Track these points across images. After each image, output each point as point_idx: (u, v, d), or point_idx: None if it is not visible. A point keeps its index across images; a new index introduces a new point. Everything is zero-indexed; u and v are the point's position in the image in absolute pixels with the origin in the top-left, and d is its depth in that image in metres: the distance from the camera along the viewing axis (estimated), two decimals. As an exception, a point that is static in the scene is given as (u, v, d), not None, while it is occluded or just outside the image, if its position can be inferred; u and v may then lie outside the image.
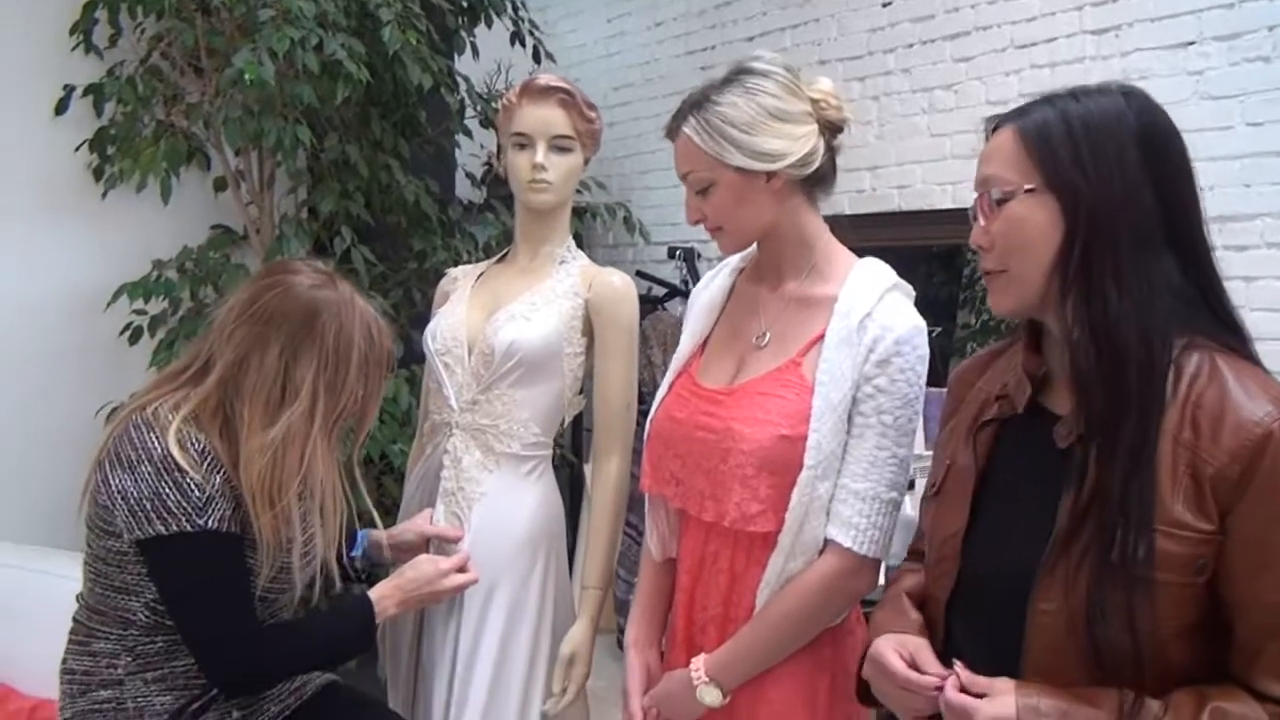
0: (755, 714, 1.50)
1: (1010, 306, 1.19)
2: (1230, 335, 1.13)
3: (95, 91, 3.09)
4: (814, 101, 1.50)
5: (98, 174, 3.14)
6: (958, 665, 1.13)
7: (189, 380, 1.60)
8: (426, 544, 1.85)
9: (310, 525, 1.62)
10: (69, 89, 3.10)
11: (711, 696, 1.50)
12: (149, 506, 1.49)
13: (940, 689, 1.13)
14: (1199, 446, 1.05)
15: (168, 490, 1.49)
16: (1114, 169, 1.09)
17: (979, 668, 1.13)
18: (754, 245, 1.60)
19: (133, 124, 3.07)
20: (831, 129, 1.52)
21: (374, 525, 1.86)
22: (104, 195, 3.13)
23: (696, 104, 1.49)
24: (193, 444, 1.52)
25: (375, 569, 1.89)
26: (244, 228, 3.26)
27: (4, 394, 3.04)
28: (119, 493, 1.50)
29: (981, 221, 1.18)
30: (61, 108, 3.10)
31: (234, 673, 1.57)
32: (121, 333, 3.10)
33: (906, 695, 1.18)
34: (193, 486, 1.49)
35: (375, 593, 1.72)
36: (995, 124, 1.19)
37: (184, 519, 1.49)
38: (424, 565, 1.75)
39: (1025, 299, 1.17)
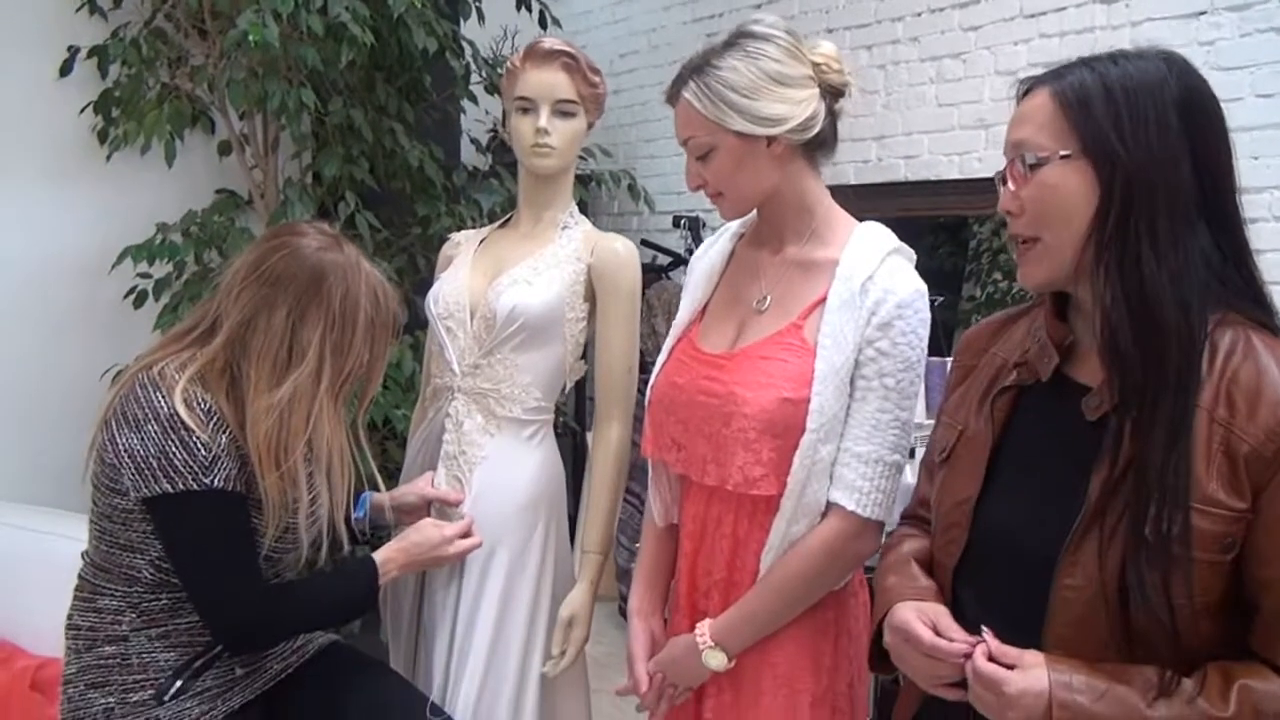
0: (759, 678, 1.52)
1: (1042, 278, 1.17)
2: (1261, 310, 1.11)
3: (99, 53, 3.08)
4: (815, 65, 1.49)
5: (102, 137, 3.14)
6: (987, 633, 1.11)
7: (195, 341, 1.60)
8: (428, 506, 1.86)
9: (316, 486, 1.62)
10: (73, 50, 3.09)
11: (717, 660, 1.51)
12: (155, 465, 1.49)
13: (968, 656, 1.11)
14: (1234, 424, 1.04)
15: (174, 449, 1.50)
16: (1154, 136, 1.06)
17: (998, 637, 1.11)
18: (754, 211, 1.60)
19: (137, 86, 3.06)
20: (833, 93, 1.51)
21: (377, 488, 1.87)
22: (108, 158, 3.13)
23: (697, 68, 1.48)
24: (199, 403, 1.52)
25: (377, 531, 1.91)
26: (248, 192, 3.25)
27: (9, 356, 3.05)
28: (125, 451, 1.51)
29: (1012, 186, 1.15)
30: (66, 69, 3.10)
31: (238, 630, 1.59)
32: (126, 296, 3.11)
33: (931, 663, 1.15)
34: (199, 445, 1.50)
35: (379, 555, 1.73)
36: (1028, 86, 1.16)
37: (190, 477, 1.50)
38: (429, 530, 1.76)
39: (1058, 270, 1.14)
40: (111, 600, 1.60)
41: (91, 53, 3.09)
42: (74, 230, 3.14)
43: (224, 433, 1.53)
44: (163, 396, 1.52)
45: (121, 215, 3.15)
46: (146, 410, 1.52)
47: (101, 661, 1.59)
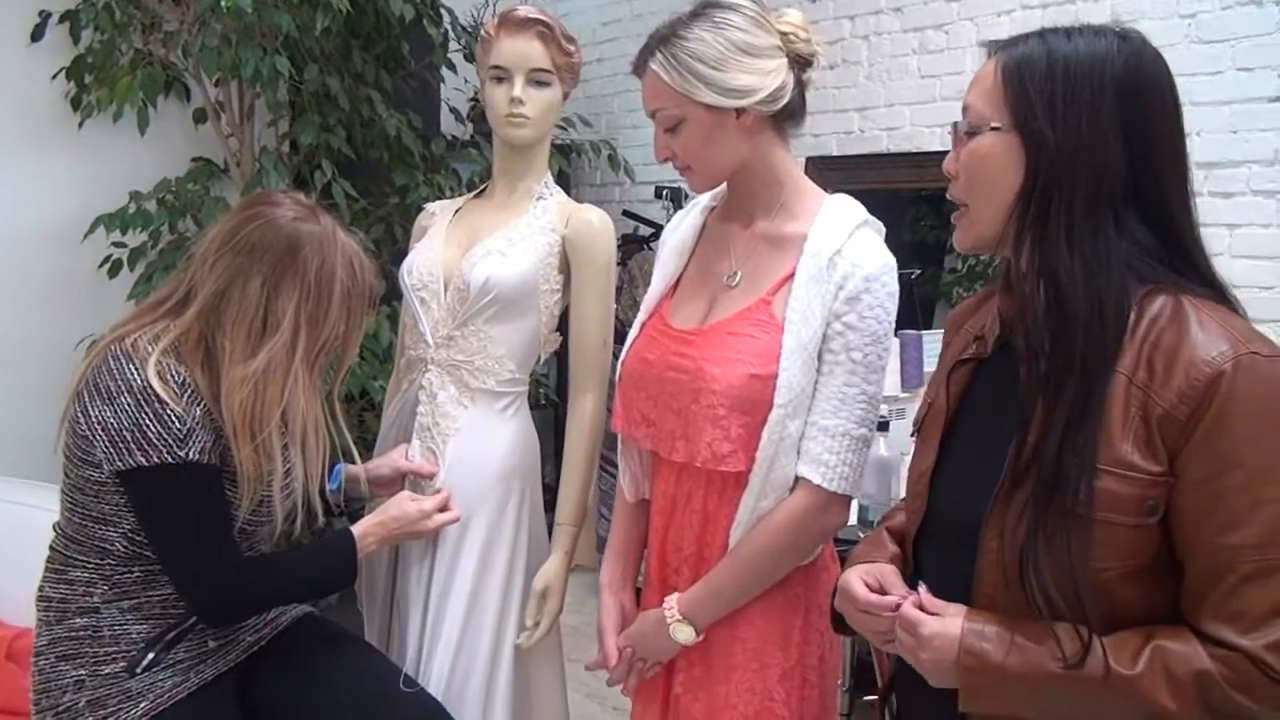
0: (729, 652, 1.52)
1: (968, 244, 1.19)
2: (1204, 287, 1.10)
3: (72, 18, 3.04)
4: (783, 35, 1.47)
5: (75, 103, 3.10)
6: (921, 587, 1.15)
7: (169, 312, 1.59)
8: (402, 479, 1.86)
9: (290, 459, 1.62)
10: (45, 15, 3.05)
11: (684, 634, 1.51)
12: (129, 438, 1.49)
13: (899, 608, 1.15)
14: (1151, 387, 1.04)
15: (148, 421, 1.49)
16: (1083, 118, 1.07)
17: (943, 600, 1.14)
18: (724, 183, 1.59)
19: (110, 52, 3.02)
20: (801, 63, 1.50)
21: (352, 460, 1.86)
22: (80, 125, 3.09)
23: (663, 39, 1.46)
24: (173, 376, 1.52)
25: (351, 503, 1.90)
26: (224, 160, 3.22)
27: (-18, 324, 3.03)
28: (99, 423, 1.50)
29: (954, 151, 1.17)
30: (38, 34, 3.05)
31: (215, 603, 1.59)
32: (101, 265, 3.08)
33: (869, 619, 1.20)
34: (173, 418, 1.49)
35: (358, 529, 1.73)
36: (991, 51, 1.18)
37: (165, 450, 1.49)
38: (407, 505, 1.76)
39: (983, 236, 1.16)
40: (83, 572, 1.59)
41: (64, 17, 3.05)
42: (48, 199, 3.10)
43: (198, 405, 1.52)
44: (135, 368, 1.51)
45: (95, 183, 3.12)
46: (119, 382, 1.51)
47: (73, 633, 1.58)
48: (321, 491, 1.77)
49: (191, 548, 1.54)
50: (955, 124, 1.17)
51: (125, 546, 1.57)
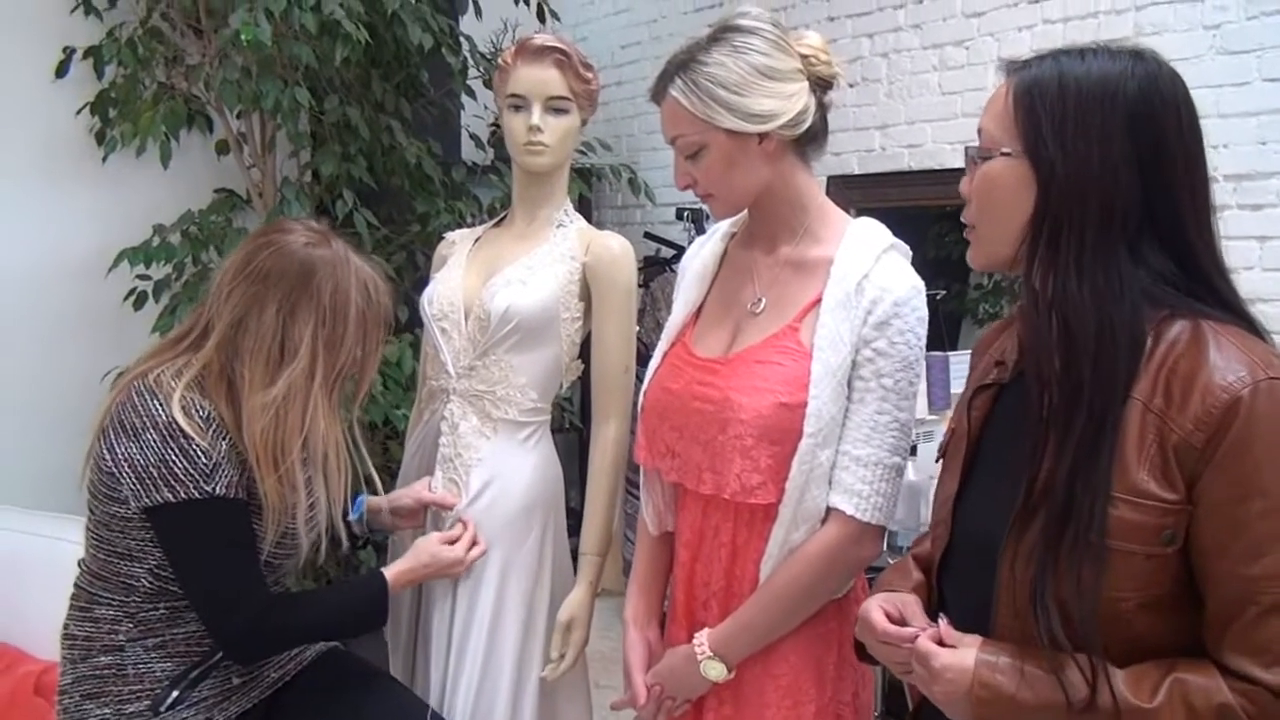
0: (762, 690, 1.49)
1: (980, 263, 1.19)
2: (1223, 311, 1.08)
3: (95, 54, 3.06)
4: (804, 57, 1.45)
5: (99, 138, 3.12)
6: (942, 619, 1.13)
7: (190, 346, 1.59)
8: (424, 509, 1.85)
9: (315, 489, 1.62)
10: (69, 51, 3.07)
11: (716, 671, 1.48)
12: (156, 474, 1.48)
13: (916, 640, 1.13)
14: (1168, 414, 1.01)
15: (174, 457, 1.49)
16: (1094, 146, 1.05)
17: (963, 630, 1.12)
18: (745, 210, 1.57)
19: (133, 86, 3.04)
20: (822, 85, 1.48)
21: (375, 490, 1.85)
22: (104, 159, 3.11)
23: (682, 65, 1.44)
24: (197, 411, 1.52)
25: (373, 533, 1.89)
26: (246, 191, 3.24)
27: (8, 360, 3.04)
28: (125, 460, 1.50)
29: (969, 174, 1.16)
30: (62, 70, 3.08)
31: (242, 639, 1.57)
32: (126, 298, 3.10)
33: (889, 649, 1.18)
34: (199, 453, 1.49)
35: (390, 571, 1.71)
36: (1007, 71, 1.15)
37: (192, 486, 1.49)
38: (440, 549, 1.74)
39: (993, 258, 1.16)
40: (108, 609, 1.59)
41: (87, 53, 3.07)
42: (73, 232, 3.12)
43: (224, 439, 1.52)
44: (160, 404, 1.51)
45: (119, 217, 3.14)
46: (144, 418, 1.51)
47: (97, 672, 1.58)
48: (344, 519, 1.77)
49: (219, 583, 1.54)
50: (968, 148, 1.17)
51: (151, 583, 1.56)
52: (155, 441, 1.49)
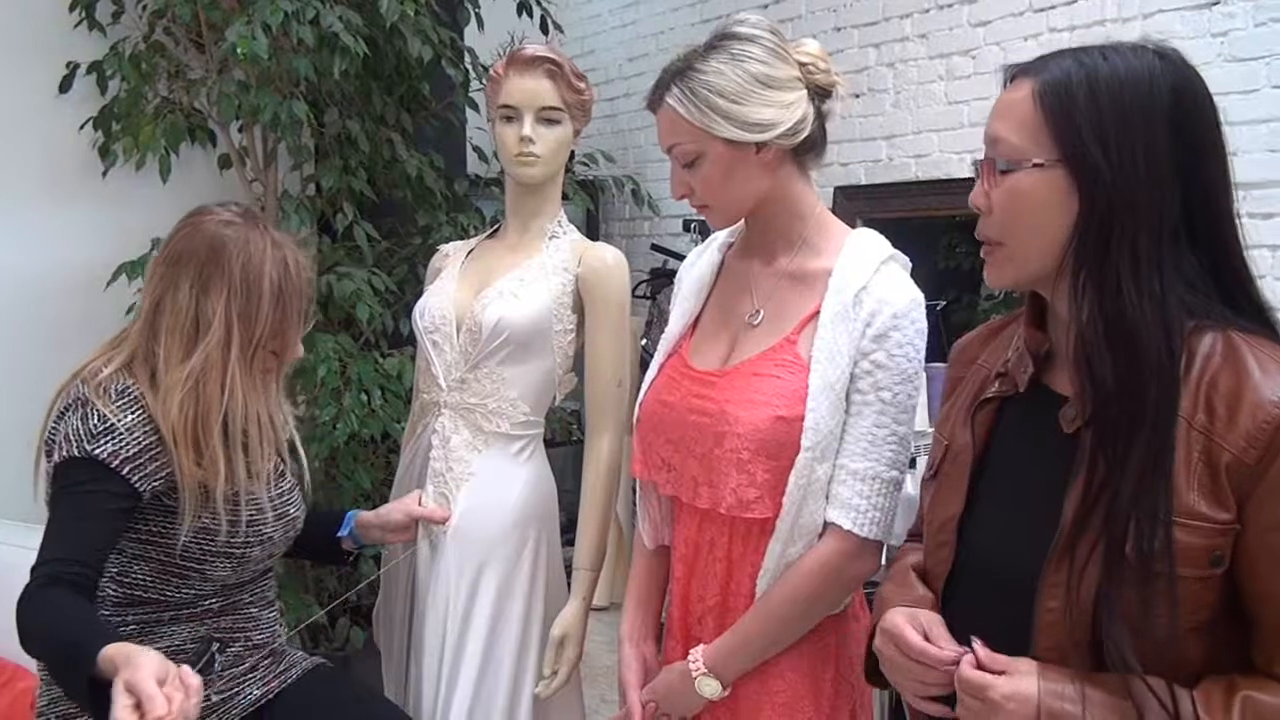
0: (759, 707, 1.46)
1: (1007, 282, 1.13)
2: (1250, 320, 1.04)
3: (98, 69, 3.07)
4: (802, 65, 1.43)
5: (103, 152, 3.12)
6: (976, 643, 1.06)
7: (122, 337, 1.63)
8: (415, 523, 1.83)
9: (284, 485, 1.63)
10: (72, 66, 3.08)
11: (711, 688, 1.46)
12: (58, 440, 1.50)
13: (956, 664, 1.06)
14: (1214, 431, 0.98)
15: (75, 421, 1.50)
16: (1140, 152, 1.00)
17: None
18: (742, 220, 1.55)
19: (136, 101, 3.04)
20: (821, 93, 1.45)
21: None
22: (104, 174, 3.12)
23: (679, 73, 1.42)
24: (115, 385, 1.53)
25: (364, 549, 1.87)
26: (249, 205, 3.23)
27: (8, 372, 3.04)
28: (49, 439, 1.53)
29: (984, 185, 1.09)
30: (65, 85, 3.09)
31: (17, 601, 1.43)
32: (128, 312, 3.09)
33: (918, 669, 1.11)
34: (94, 416, 1.49)
35: (109, 649, 1.30)
36: (1013, 74, 1.10)
37: (75, 445, 1.48)
38: (149, 660, 1.38)
39: (1024, 276, 1.10)
40: None
41: (91, 68, 3.08)
42: (75, 246, 3.12)
43: (133, 412, 1.51)
44: (80, 384, 1.54)
45: (119, 231, 3.13)
46: (72, 400, 1.54)
47: None
48: (334, 537, 1.77)
49: (44, 543, 1.46)
50: (980, 160, 1.10)
51: (115, 591, 1.55)
52: (69, 415, 1.51)
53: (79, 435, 1.48)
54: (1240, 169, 2.87)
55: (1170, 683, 0.98)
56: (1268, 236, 2.56)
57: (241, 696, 1.65)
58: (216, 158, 3.26)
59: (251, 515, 1.59)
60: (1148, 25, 2.79)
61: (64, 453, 1.49)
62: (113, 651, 1.32)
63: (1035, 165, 1.04)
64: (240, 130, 3.11)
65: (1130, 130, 1.00)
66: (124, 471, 1.49)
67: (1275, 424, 0.96)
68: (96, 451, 1.48)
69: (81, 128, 3.11)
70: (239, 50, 2.62)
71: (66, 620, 1.43)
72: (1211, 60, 2.64)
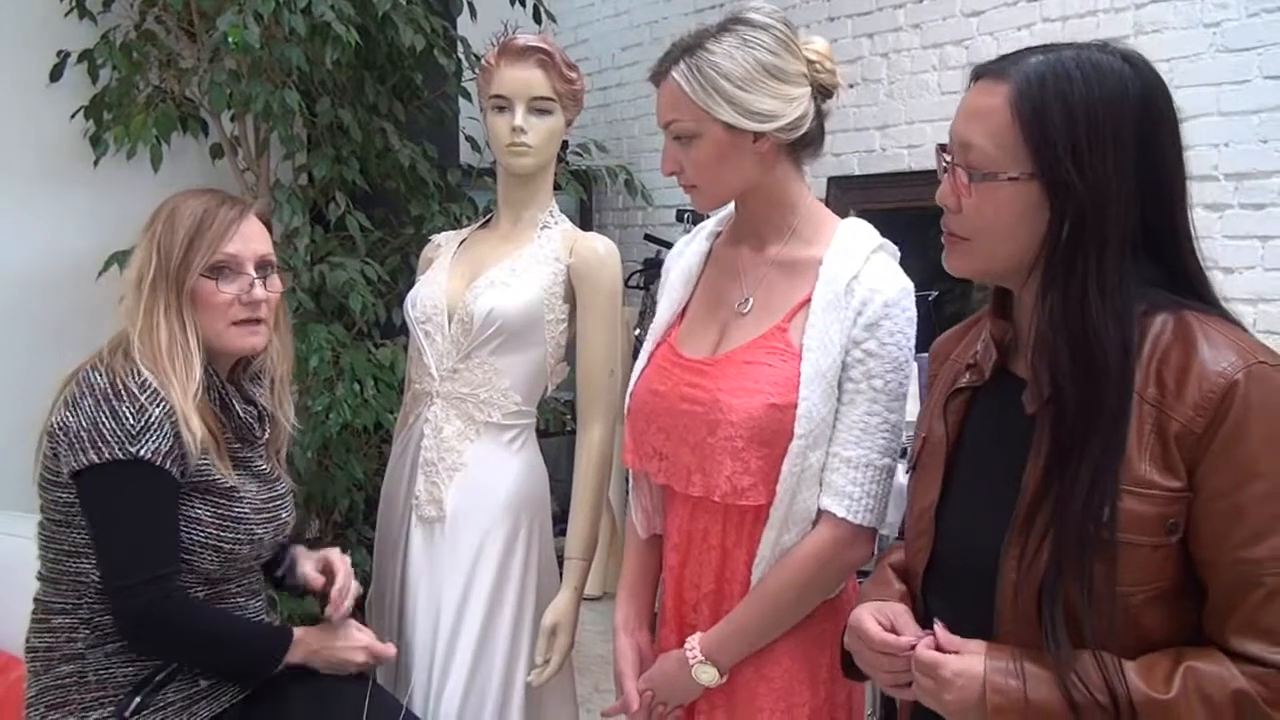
0: (755, 694, 1.47)
1: (968, 272, 1.15)
2: (1201, 303, 1.08)
3: (89, 58, 3.05)
4: (809, 62, 1.43)
5: (94, 142, 3.11)
6: (937, 625, 1.11)
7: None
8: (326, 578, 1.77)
9: (279, 487, 1.64)
10: (63, 55, 3.06)
11: (708, 676, 1.46)
12: (85, 437, 1.49)
13: (914, 648, 1.11)
14: (1164, 403, 1.02)
15: (104, 419, 1.49)
16: (1110, 165, 1.02)
17: None
18: (732, 207, 1.55)
19: (127, 90, 3.03)
20: (823, 92, 1.46)
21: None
22: (95, 163, 3.10)
23: (688, 49, 1.41)
24: (133, 376, 1.53)
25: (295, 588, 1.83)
26: (240, 195, 3.22)
27: (1, 363, 3.03)
28: (60, 429, 1.52)
29: (950, 187, 1.10)
30: (56, 74, 3.07)
31: (138, 619, 1.51)
32: (119, 302, 3.08)
33: (885, 660, 1.15)
34: (128, 414, 1.49)
35: (299, 632, 1.65)
36: (979, 74, 1.10)
37: (116, 446, 1.48)
38: (352, 653, 1.69)
39: (988, 271, 1.13)
40: (64, 618, 1.57)
41: (81, 57, 3.06)
42: (67, 236, 3.11)
43: (157, 405, 1.51)
44: (99, 374, 1.53)
45: (111, 221, 3.11)
46: (84, 387, 1.53)
47: (59, 681, 1.56)
48: (275, 569, 1.77)
49: (126, 554, 1.50)
50: (951, 161, 1.10)
51: (100, 579, 1.55)
52: (90, 407, 1.50)
53: (118, 437, 1.48)
54: (1231, 160, 2.89)
55: (1105, 653, 1.00)
56: (1257, 228, 2.57)
57: (227, 687, 1.63)
58: (208, 147, 3.24)
59: (243, 511, 1.59)
60: (1140, 15, 2.79)
61: (107, 455, 1.48)
62: (300, 633, 1.64)
63: (1010, 179, 1.06)
64: (232, 120, 3.09)
65: (1102, 146, 1.03)
66: (162, 464, 1.51)
67: (1220, 392, 0.99)
68: (142, 454, 1.49)
69: (73, 117, 3.09)
70: (230, 39, 2.61)
71: (227, 621, 1.62)
72: (1203, 51, 2.65)
